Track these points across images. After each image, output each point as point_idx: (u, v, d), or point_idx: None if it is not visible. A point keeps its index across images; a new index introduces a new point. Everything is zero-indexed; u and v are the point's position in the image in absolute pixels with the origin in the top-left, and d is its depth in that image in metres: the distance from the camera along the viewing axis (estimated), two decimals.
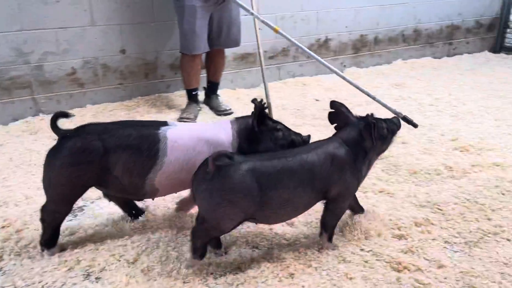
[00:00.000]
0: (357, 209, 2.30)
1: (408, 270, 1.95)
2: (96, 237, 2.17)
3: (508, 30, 6.05)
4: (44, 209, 1.98)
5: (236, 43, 3.88)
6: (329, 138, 2.02)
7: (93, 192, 2.27)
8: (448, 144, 3.23)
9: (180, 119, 3.67)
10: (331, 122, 2.12)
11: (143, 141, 1.90)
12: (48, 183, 1.93)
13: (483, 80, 4.82)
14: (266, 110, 2.05)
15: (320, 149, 1.93)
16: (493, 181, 2.67)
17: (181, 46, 3.72)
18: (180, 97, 4.19)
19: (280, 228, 2.23)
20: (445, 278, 1.90)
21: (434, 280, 1.88)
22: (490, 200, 2.50)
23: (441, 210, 2.42)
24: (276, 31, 3.08)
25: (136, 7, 3.93)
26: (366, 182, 2.50)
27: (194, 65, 3.76)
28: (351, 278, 1.89)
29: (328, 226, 2.06)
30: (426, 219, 2.33)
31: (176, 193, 2.23)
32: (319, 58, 3.19)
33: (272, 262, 1.96)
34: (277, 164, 1.83)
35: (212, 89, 4.07)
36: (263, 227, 2.19)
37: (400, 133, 2.23)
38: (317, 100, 4.26)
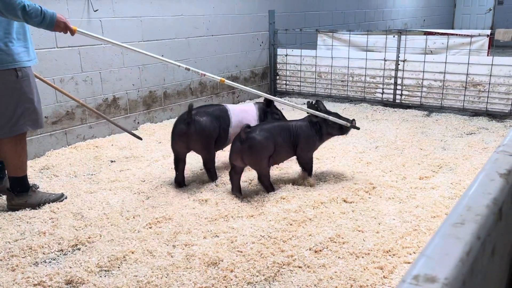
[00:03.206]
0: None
1: None
2: None
3: (278, 77, 7.02)
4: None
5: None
6: (302, 118, 3.55)
7: None
8: None
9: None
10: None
11: (222, 112, 3.55)
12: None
13: None
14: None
15: (295, 122, 3.47)
16: (281, 214, 2.96)
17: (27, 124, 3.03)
18: None
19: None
20: None
21: None
22: (281, 232, 2.75)
23: (241, 252, 2.54)
24: (222, 81, 3.53)
25: None
26: None
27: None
28: None
29: (305, 168, 3.52)
30: (231, 263, 2.41)
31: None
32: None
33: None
34: (273, 126, 3.32)
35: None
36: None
37: None
38: (112, 161, 4.09)
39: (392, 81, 6.08)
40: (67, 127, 4.47)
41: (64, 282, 2.28)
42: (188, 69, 3.50)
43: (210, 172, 3.56)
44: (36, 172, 3.84)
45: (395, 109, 5.95)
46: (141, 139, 4.13)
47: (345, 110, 5.99)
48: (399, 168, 3.82)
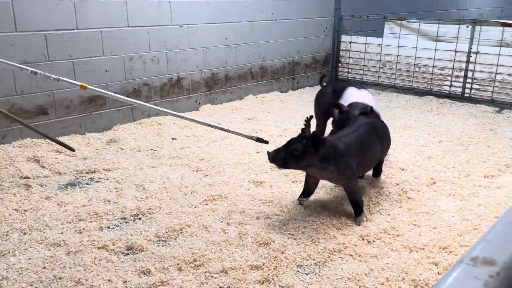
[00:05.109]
0: None
1: None
2: None
3: (340, 64, 6.90)
4: None
5: None
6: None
7: None
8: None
9: None
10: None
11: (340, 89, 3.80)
12: None
13: None
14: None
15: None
16: (335, 202, 2.95)
17: None
18: (19, 147, 3.79)
19: None
20: None
21: None
22: (334, 220, 2.74)
23: (292, 235, 2.57)
24: (84, 88, 3.01)
25: None
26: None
27: None
28: None
29: None
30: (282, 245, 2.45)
31: None
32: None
33: None
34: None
35: None
36: None
37: None
38: (173, 139, 4.25)
39: (462, 73, 5.78)
40: (133, 104, 4.68)
41: (125, 248, 2.44)
42: (36, 73, 2.99)
43: None
44: (104, 144, 4.07)
45: (463, 103, 5.65)
46: (73, 150, 3.52)
47: (409, 102, 5.78)
48: (463, 165, 3.65)
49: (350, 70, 6.81)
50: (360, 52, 6.62)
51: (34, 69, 2.99)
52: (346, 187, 2.78)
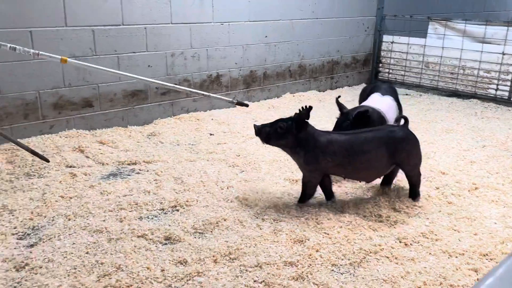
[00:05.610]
0: None
1: None
2: None
3: (380, 64, 6.78)
4: None
5: None
6: None
7: None
8: None
9: None
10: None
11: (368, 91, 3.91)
12: None
13: None
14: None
15: None
16: (372, 202, 2.91)
17: None
18: (65, 137, 3.96)
19: None
20: None
21: None
22: (370, 221, 2.71)
23: (328, 234, 2.56)
24: (64, 61, 3.01)
25: (13, 44, 3.67)
26: None
27: None
28: None
29: None
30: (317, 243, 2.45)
31: None
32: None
33: None
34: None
35: None
36: None
37: None
38: (211, 134, 4.31)
39: (509, 77, 5.55)
40: (174, 99, 4.79)
41: (163, 238, 2.50)
42: (14, 49, 2.97)
43: None
44: (144, 137, 4.19)
45: (510, 108, 5.43)
46: (48, 161, 3.28)
47: (452, 105, 5.61)
48: (507, 171, 3.52)
49: (391, 71, 6.68)
50: (402, 52, 6.48)
51: (12, 45, 2.98)
52: (304, 176, 2.88)
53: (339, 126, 3.23)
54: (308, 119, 2.73)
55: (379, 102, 3.54)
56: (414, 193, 2.99)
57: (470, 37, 6.12)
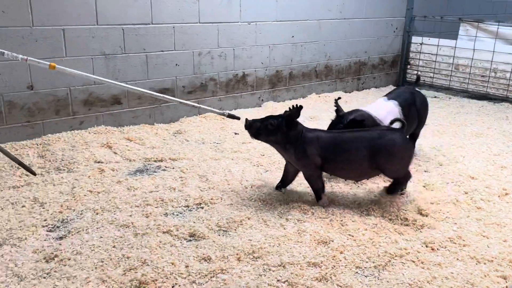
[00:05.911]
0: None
1: None
2: None
3: (409, 66, 6.67)
4: None
5: None
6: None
7: None
8: None
9: None
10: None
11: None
12: None
13: None
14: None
15: None
16: (397, 206, 2.87)
17: None
18: (94, 133, 4.05)
19: None
20: None
21: None
22: (396, 224, 2.67)
23: (352, 236, 2.54)
24: (53, 67, 2.98)
25: (46, 41, 3.78)
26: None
27: None
28: None
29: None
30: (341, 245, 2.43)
31: None
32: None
33: None
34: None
35: None
36: None
37: None
38: (236, 133, 4.33)
39: None
40: (200, 98, 4.83)
41: (188, 234, 2.53)
42: (3, 53, 2.93)
43: None
44: (170, 135, 4.24)
45: None
46: (34, 174, 3.21)
47: (482, 108, 5.47)
48: None
49: (419, 73, 6.57)
50: (432, 54, 6.36)
51: (1, 50, 2.95)
52: (303, 173, 2.92)
53: (332, 127, 3.23)
54: (298, 118, 2.79)
55: (379, 107, 3.44)
56: (391, 190, 3.00)
57: (502, 39, 5.95)
